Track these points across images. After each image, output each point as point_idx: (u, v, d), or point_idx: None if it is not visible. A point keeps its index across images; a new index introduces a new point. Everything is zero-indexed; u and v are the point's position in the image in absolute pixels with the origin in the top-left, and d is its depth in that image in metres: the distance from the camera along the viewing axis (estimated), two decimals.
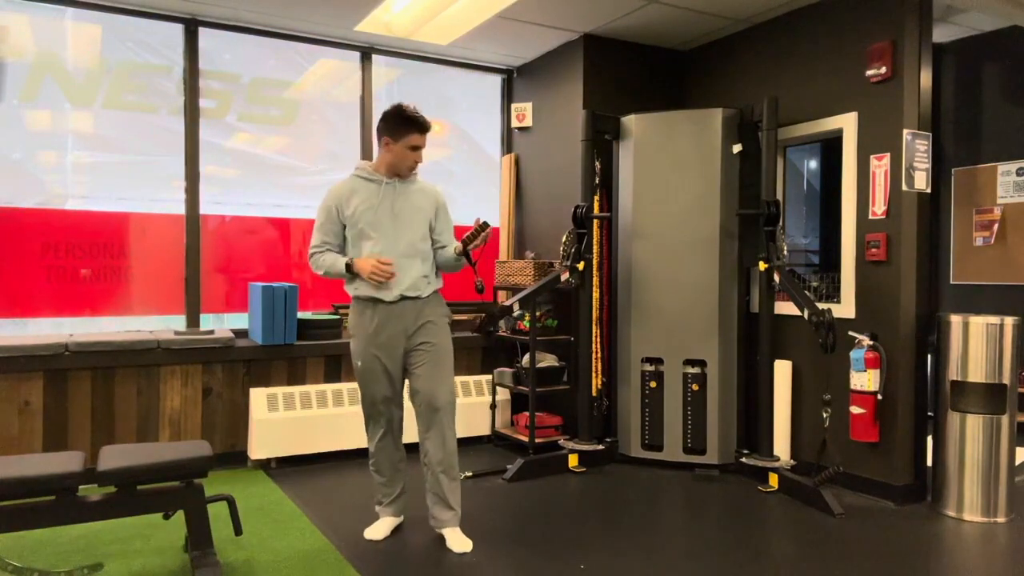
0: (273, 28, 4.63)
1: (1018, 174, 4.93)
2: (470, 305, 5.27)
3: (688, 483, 4.06)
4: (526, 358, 4.59)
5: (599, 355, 4.63)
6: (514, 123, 5.32)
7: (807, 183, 5.46)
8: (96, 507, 2.63)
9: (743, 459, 4.14)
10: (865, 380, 3.67)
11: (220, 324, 4.71)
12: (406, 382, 3.19)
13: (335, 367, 4.60)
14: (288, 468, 4.27)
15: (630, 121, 4.41)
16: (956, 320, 3.54)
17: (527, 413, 4.57)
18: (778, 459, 4.02)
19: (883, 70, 3.73)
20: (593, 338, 4.51)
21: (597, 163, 4.51)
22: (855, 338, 3.76)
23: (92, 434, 3.99)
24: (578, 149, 4.53)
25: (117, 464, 2.62)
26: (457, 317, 5.08)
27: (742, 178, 4.31)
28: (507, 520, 3.44)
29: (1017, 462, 3.81)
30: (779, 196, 4.25)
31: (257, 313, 4.35)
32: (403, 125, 3.03)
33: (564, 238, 4.31)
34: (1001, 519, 3.49)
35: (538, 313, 4.65)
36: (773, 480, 3.92)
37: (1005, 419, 3.48)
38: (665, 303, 4.32)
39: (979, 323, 3.48)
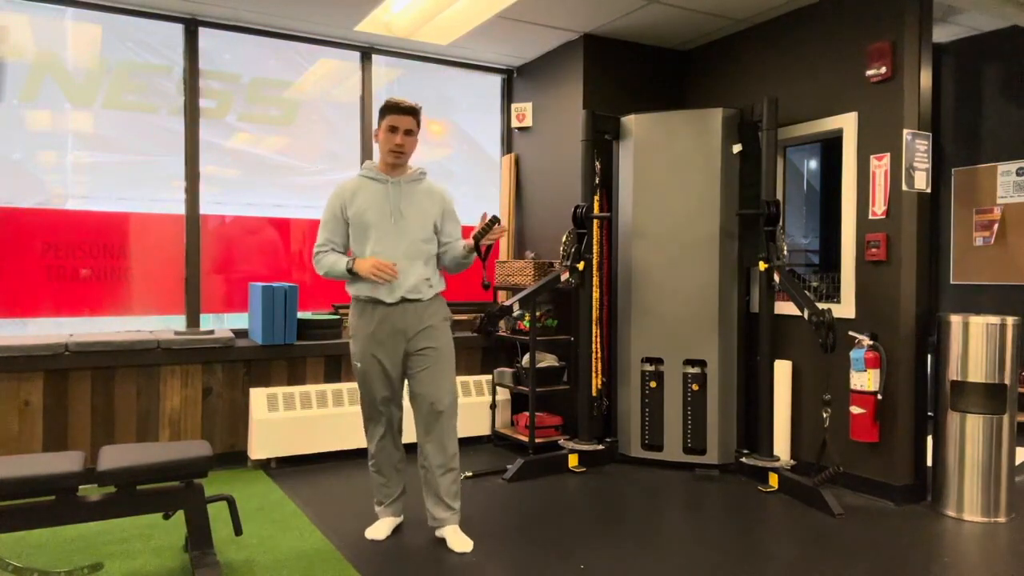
0: (273, 28, 4.63)
1: (1018, 174, 4.93)
2: (470, 305, 5.27)
3: (688, 483, 4.06)
4: (526, 358, 4.59)
5: (599, 355, 4.63)
6: (514, 123, 5.32)
7: (807, 183, 5.46)
8: (96, 507, 2.63)
9: (743, 459, 4.14)
10: (865, 380, 3.67)
11: (220, 324, 4.71)
12: (405, 383, 3.19)
13: (335, 367, 4.60)
14: (288, 468, 4.27)
15: (630, 121, 4.41)
16: (956, 320, 3.54)
17: (527, 413, 4.57)
18: (778, 459, 4.02)
19: (883, 70, 3.73)
20: (593, 338, 4.51)
21: (597, 163, 4.51)
22: (855, 338, 3.76)
23: (92, 434, 3.99)
24: (578, 149, 4.53)
25: (117, 464, 2.62)
26: (457, 317, 5.09)
27: (742, 178, 4.31)
28: (507, 520, 3.44)
29: (1017, 462, 3.81)
30: (779, 196, 4.25)
31: (257, 313, 4.35)
32: (384, 109, 3.07)
33: (564, 238, 4.31)
34: (1001, 519, 3.49)
35: (538, 313, 4.65)
36: (773, 480, 3.92)
37: (1005, 419, 3.48)
38: (665, 303, 4.32)
39: (979, 323, 3.48)
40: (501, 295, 5.24)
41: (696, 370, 4.28)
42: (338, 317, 4.65)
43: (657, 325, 4.34)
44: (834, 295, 4.05)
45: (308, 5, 4.22)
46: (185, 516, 2.75)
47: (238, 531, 2.90)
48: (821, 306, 3.64)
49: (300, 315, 4.50)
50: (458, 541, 3.07)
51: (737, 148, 4.26)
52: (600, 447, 4.32)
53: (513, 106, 5.34)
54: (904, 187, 3.68)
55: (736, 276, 4.32)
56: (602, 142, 4.58)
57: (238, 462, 4.35)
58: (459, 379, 4.88)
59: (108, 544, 3.11)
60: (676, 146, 4.30)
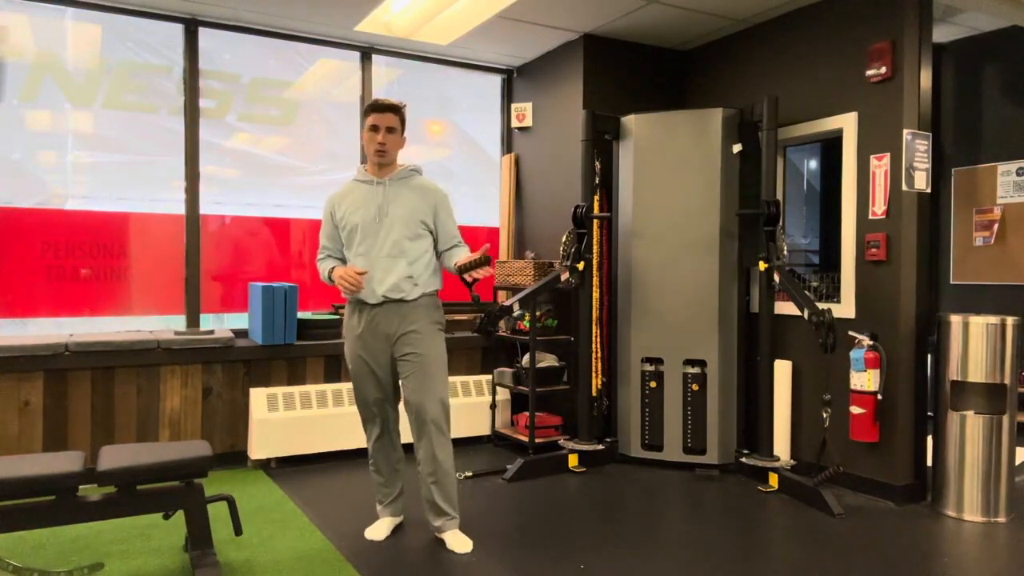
0: (273, 28, 4.63)
1: (1018, 174, 4.93)
2: (470, 305, 5.27)
3: (688, 483, 4.06)
4: (526, 358, 4.59)
5: (599, 355, 4.63)
6: (514, 123, 5.32)
7: (807, 183, 5.46)
8: (96, 507, 2.63)
9: (743, 459, 4.14)
10: (865, 380, 3.67)
11: (220, 324, 4.71)
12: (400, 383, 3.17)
13: (335, 367, 4.60)
14: (288, 468, 4.27)
15: (630, 121, 4.41)
16: (956, 320, 3.54)
17: (527, 413, 4.57)
18: (778, 459, 4.02)
19: (883, 70, 3.73)
20: (593, 338, 4.51)
21: (597, 163, 4.51)
22: (855, 338, 3.76)
23: (92, 434, 3.99)
24: (578, 149, 4.53)
25: (117, 464, 2.62)
26: (457, 317, 5.09)
27: (742, 178, 4.31)
28: (507, 520, 3.44)
29: (1017, 462, 3.81)
30: (779, 196, 4.25)
31: (257, 313, 4.35)
32: (364, 112, 3.08)
33: (564, 238, 4.31)
34: (1001, 519, 3.49)
35: (538, 313, 4.65)
36: (773, 480, 3.92)
37: (1005, 419, 3.48)
38: (665, 303, 4.32)
39: (979, 323, 3.48)
40: (501, 295, 5.24)
41: (696, 370, 4.28)
42: (338, 317, 4.65)
43: (657, 325, 4.34)
44: (834, 295, 4.05)
45: (308, 5, 4.22)
46: (185, 516, 2.75)
47: (238, 531, 2.90)
48: (821, 306, 3.64)
49: (300, 315, 4.50)
50: (457, 542, 3.07)
51: (737, 148, 4.26)
52: (600, 447, 4.32)
53: (513, 106, 5.34)
54: (904, 187, 3.68)
55: (736, 276, 4.32)
56: (602, 142, 4.58)
57: (238, 462, 4.35)
58: (459, 379, 4.88)
59: (108, 544, 3.11)
60: (676, 146, 4.30)
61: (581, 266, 4.28)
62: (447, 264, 3.13)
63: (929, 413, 3.74)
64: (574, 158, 4.68)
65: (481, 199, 5.49)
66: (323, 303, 4.91)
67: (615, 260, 4.59)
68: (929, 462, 3.75)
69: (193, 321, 4.51)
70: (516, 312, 4.68)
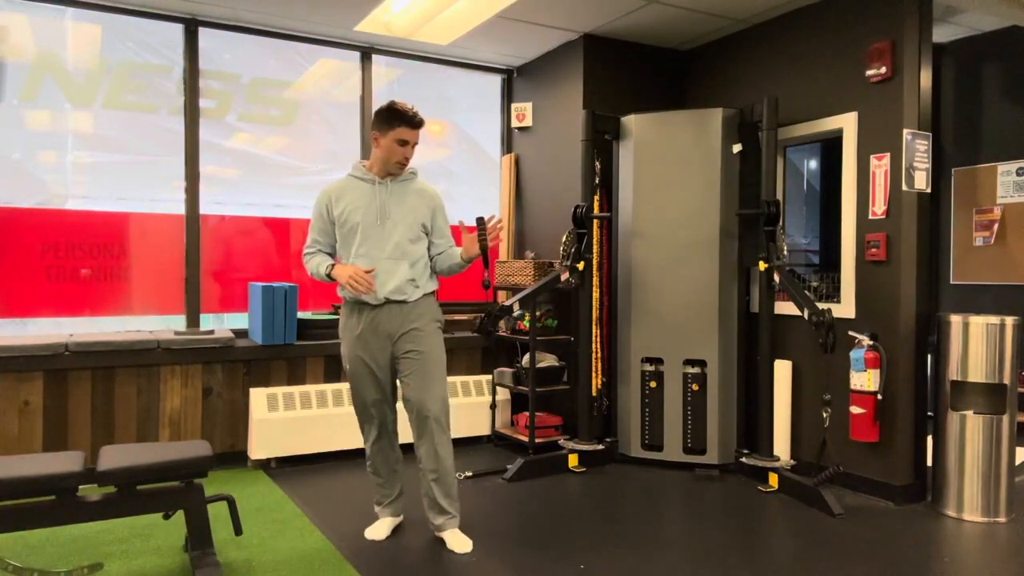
0: (273, 28, 4.63)
1: (1018, 174, 4.93)
2: (470, 305, 5.27)
3: (688, 483, 4.06)
4: (526, 358, 4.59)
5: (599, 355, 4.63)
6: (514, 123, 5.32)
7: (807, 183, 5.46)
8: (96, 507, 2.63)
9: (743, 459, 4.14)
10: (865, 380, 3.67)
11: (220, 324, 4.71)
12: (398, 384, 3.17)
13: (335, 367, 4.60)
14: (288, 468, 4.27)
15: (630, 121, 4.41)
16: (956, 320, 3.54)
17: (527, 413, 4.57)
18: (778, 459, 4.02)
19: (883, 70, 3.73)
20: (593, 338, 4.51)
21: (597, 163, 4.51)
22: (855, 338, 3.76)
23: (92, 434, 3.99)
24: (578, 149, 4.53)
25: (117, 464, 2.62)
26: (457, 317, 5.09)
27: (742, 178, 4.31)
28: (507, 520, 3.44)
29: (1017, 462, 3.81)
30: (779, 196, 4.25)
31: (257, 313, 4.35)
32: (392, 119, 2.99)
33: (564, 238, 4.31)
34: (1001, 519, 3.49)
35: (538, 313, 4.65)
36: (773, 480, 3.92)
37: (1005, 419, 3.48)
38: (665, 303, 4.32)
39: (979, 323, 3.48)
40: (501, 295, 5.24)
41: (696, 370, 4.28)
42: (338, 317, 4.62)
43: (657, 325, 4.34)
44: (834, 295, 4.05)
45: (308, 5, 4.22)
46: (185, 516, 2.75)
47: (238, 531, 2.90)
48: (821, 306, 3.64)
49: (300, 315, 4.50)
50: (457, 542, 3.06)
51: (737, 148, 4.26)
52: (600, 447, 4.32)
53: (513, 106, 5.34)
54: (904, 187, 3.68)
55: (736, 276, 4.32)
56: (602, 142, 4.58)
57: (238, 462, 4.35)
58: (459, 379, 4.88)
59: (108, 544, 3.11)
60: (676, 146, 4.30)
61: (581, 266, 4.28)
62: (450, 263, 3.12)
63: (929, 413, 3.74)
64: (574, 158, 4.68)
65: (481, 199, 5.49)
66: (323, 303, 4.91)
67: (615, 260, 4.59)
68: (929, 462, 3.75)
69: (193, 321, 4.51)
70: (516, 312, 4.68)
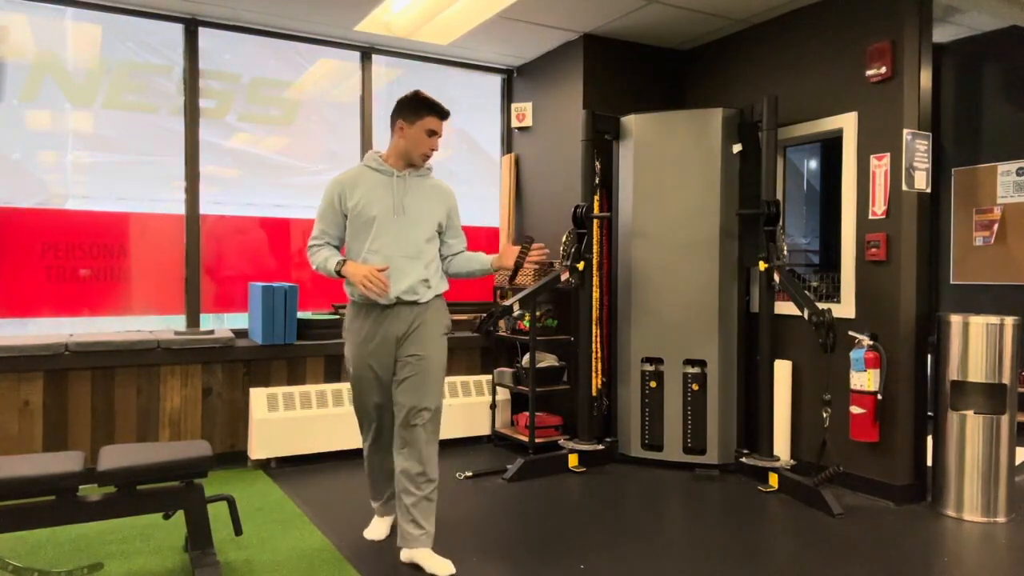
0: (273, 28, 4.63)
1: (1018, 174, 4.93)
2: (471, 305, 5.27)
3: (688, 483, 4.06)
4: (526, 358, 4.59)
5: (599, 355, 4.63)
6: (514, 123, 5.32)
7: (807, 183, 5.46)
8: (96, 507, 2.63)
9: (743, 459, 4.14)
10: (865, 380, 3.67)
11: (220, 324, 4.71)
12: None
13: (335, 367, 4.60)
14: (288, 468, 4.27)
15: (630, 121, 4.41)
16: (956, 320, 3.54)
17: (527, 413, 4.57)
18: (778, 459, 4.02)
19: (883, 70, 3.73)
20: (593, 338, 4.51)
21: (597, 163, 4.51)
22: (855, 338, 3.76)
23: (92, 434, 3.99)
24: (578, 149, 4.53)
25: (117, 464, 2.62)
26: (457, 317, 5.08)
27: (742, 178, 4.31)
28: (507, 520, 3.44)
29: (1017, 462, 3.81)
30: (779, 196, 4.25)
31: (257, 313, 4.35)
32: (421, 108, 2.86)
33: (564, 238, 4.31)
34: (1001, 519, 3.49)
35: (538, 313, 4.65)
36: (773, 480, 3.92)
37: (1005, 419, 3.48)
38: (665, 303, 4.32)
39: (979, 323, 3.48)
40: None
41: (696, 370, 4.28)
42: (338, 317, 4.65)
43: (657, 325, 4.34)
44: (834, 295, 4.05)
45: (308, 5, 4.22)
46: (185, 516, 2.75)
47: (238, 531, 2.90)
48: (821, 306, 3.64)
49: (300, 315, 4.50)
50: (436, 564, 2.83)
51: (737, 148, 4.26)
52: (600, 447, 4.32)
53: (513, 106, 5.34)
54: (904, 187, 3.68)
55: (736, 276, 4.32)
56: (602, 142, 4.58)
57: (238, 462, 4.35)
58: (459, 379, 4.89)
59: (108, 544, 3.11)
60: (676, 146, 4.30)
61: (581, 266, 4.28)
62: (469, 268, 3.07)
63: (929, 413, 3.74)
64: (574, 158, 4.68)
65: (481, 199, 5.49)
66: (323, 303, 4.91)
67: (615, 260, 4.59)
68: (929, 462, 3.75)
69: (193, 321, 4.51)
70: (516, 312, 4.68)
